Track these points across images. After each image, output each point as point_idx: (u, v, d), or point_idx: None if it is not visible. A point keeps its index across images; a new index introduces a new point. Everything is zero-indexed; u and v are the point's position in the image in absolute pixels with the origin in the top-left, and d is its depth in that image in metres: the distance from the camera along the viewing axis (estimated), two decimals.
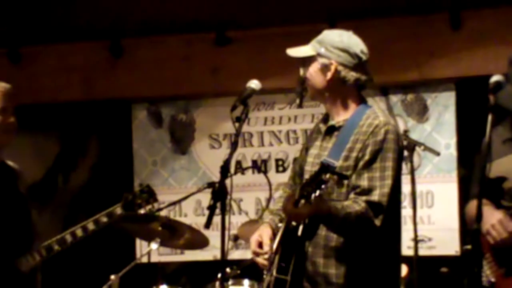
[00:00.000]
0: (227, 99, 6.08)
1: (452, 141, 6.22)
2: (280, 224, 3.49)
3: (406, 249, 5.68)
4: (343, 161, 3.37)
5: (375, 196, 3.31)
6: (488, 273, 3.64)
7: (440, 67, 6.13)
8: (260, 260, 3.46)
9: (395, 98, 6.36)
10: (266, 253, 3.44)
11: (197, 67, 6.53)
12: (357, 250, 3.37)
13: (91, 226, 3.95)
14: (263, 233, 3.51)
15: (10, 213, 3.82)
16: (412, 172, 5.25)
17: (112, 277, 4.76)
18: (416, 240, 5.24)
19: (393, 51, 6.11)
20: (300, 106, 6.25)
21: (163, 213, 5.45)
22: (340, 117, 3.50)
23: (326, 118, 3.59)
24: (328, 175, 3.18)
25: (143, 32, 6.56)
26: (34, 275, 3.89)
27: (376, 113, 3.46)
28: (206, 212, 3.34)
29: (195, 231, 5.21)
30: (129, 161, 6.80)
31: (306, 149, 3.65)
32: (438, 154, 5.61)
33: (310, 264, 3.40)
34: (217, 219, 3.32)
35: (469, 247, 3.01)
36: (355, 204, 3.29)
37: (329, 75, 3.47)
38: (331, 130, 3.51)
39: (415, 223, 5.20)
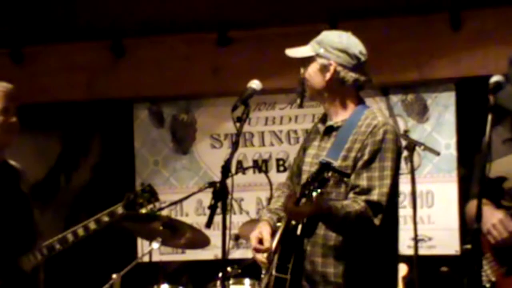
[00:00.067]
0: (228, 99, 6.09)
1: (452, 141, 6.22)
2: (279, 224, 3.50)
3: (406, 249, 5.71)
4: (341, 161, 3.38)
5: (374, 196, 3.32)
6: (488, 273, 3.65)
7: (440, 67, 6.13)
8: (260, 256, 3.47)
9: (395, 98, 6.36)
10: (266, 249, 3.45)
11: (198, 67, 6.53)
12: (356, 249, 3.38)
13: (92, 225, 3.95)
14: (263, 230, 3.51)
15: (12, 212, 3.82)
16: (412, 172, 5.26)
17: (114, 276, 4.77)
18: (416, 240, 5.24)
19: (394, 51, 6.11)
20: (301, 106, 6.25)
21: (164, 212, 5.48)
22: (338, 117, 3.52)
23: (324, 119, 3.60)
24: (330, 173, 3.20)
25: (144, 32, 6.56)
26: (36, 274, 3.89)
27: (375, 113, 3.47)
28: (207, 212, 3.35)
29: (196, 230, 5.23)
30: (130, 161, 6.80)
31: (304, 149, 3.65)
32: (438, 154, 5.62)
33: (309, 263, 3.41)
34: (218, 218, 3.32)
35: (469, 246, 3.02)
36: (354, 204, 3.30)
37: (328, 75, 3.48)
38: (329, 130, 3.52)
39: (415, 223, 5.21)
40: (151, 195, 4.14)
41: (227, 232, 3.35)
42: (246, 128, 5.26)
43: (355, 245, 3.39)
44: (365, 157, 3.37)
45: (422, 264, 5.33)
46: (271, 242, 3.45)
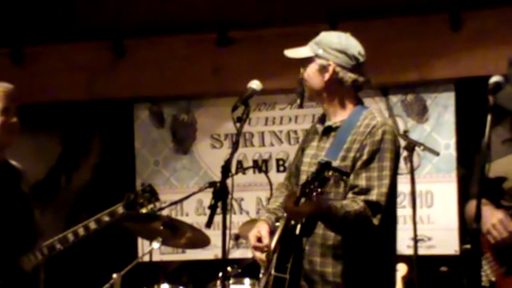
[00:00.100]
0: (228, 99, 6.09)
1: (452, 141, 6.23)
2: (277, 223, 3.51)
3: (406, 249, 5.73)
4: (340, 161, 3.38)
5: (373, 196, 3.33)
6: (488, 273, 3.65)
7: (439, 68, 6.13)
8: (259, 254, 3.48)
9: (395, 99, 6.37)
10: (265, 246, 3.45)
11: (198, 67, 6.53)
12: (354, 248, 3.39)
13: (93, 225, 3.95)
14: (261, 228, 3.52)
15: (13, 212, 3.83)
16: (411, 172, 5.26)
17: (114, 275, 4.78)
18: (415, 240, 5.24)
19: (393, 51, 6.12)
20: (301, 106, 6.26)
21: (164, 212, 5.49)
22: (337, 117, 3.53)
23: (323, 119, 3.61)
24: (330, 172, 3.20)
25: (145, 32, 6.57)
26: (36, 274, 3.89)
27: (373, 114, 3.48)
28: (207, 212, 3.35)
29: (197, 230, 5.23)
30: (131, 161, 6.81)
31: (302, 150, 3.66)
32: (437, 154, 5.63)
33: (307, 262, 3.42)
34: (218, 218, 3.33)
35: (468, 246, 3.03)
36: (353, 203, 3.31)
37: (327, 76, 3.49)
38: (328, 131, 3.53)
39: (414, 223, 5.21)
40: (152, 195, 4.15)
41: (227, 232, 3.35)
42: (246, 128, 5.28)
43: (353, 244, 3.39)
44: (364, 157, 3.38)
45: (421, 264, 5.33)
46: (270, 240, 3.46)
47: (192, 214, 6.62)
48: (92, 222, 3.96)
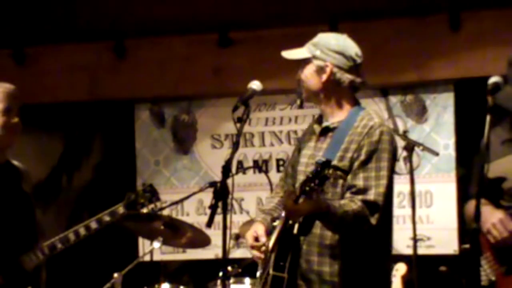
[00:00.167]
0: (229, 99, 6.12)
1: (451, 141, 6.24)
2: (274, 223, 3.51)
3: (405, 248, 5.75)
4: (338, 161, 3.40)
5: (370, 196, 3.35)
6: (488, 272, 3.66)
7: (439, 68, 6.13)
8: (257, 253, 3.49)
9: (394, 99, 6.38)
10: (263, 245, 3.46)
11: (199, 68, 6.54)
12: (351, 248, 3.41)
13: (94, 225, 3.96)
14: (258, 228, 3.54)
15: (14, 212, 3.84)
16: (411, 172, 5.28)
17: (115, 275, 4.78)
18: (415, 239, 5.27)
19: (393, 52, 6.12)
20: (301, 106, 6.31)
21: (165, 212, 5.49)
22: (334, 118, 3.54)
23: (320, 119, 3.62)
24: (331, 170, 3.21)
25: (146, 33, 6.57)
26: (38, 273, 3.91)
27: (371, 115, 3.50)
28: (208, 211, 3.36)
29: (197, 230, 5.24)
30: (132, 161, 6.82)
31: (298, 150, 3.67)
32: (437, 154, 5.65)
33: (304, 262, 3.43)
34: (218, 218, 3.34)
35: (467, 246, 3.05)
36: (351, 203, 3.32)
37: (324, 77, 3.50)
38: (325, 131, 3.54)
39: (414, 223, 5.24)
40: (152, 195, 4.16)
41: (228, 231, 3.35)
42: (247, 128, 5.29)
43: (350, 244, 3.41)
44: (362, 157, 3.39)
45: (421, 264, 5.35)
46: (267, 239, 3.47)
47: (193, 214, 6.63)
48: (93, 221, 3.97)
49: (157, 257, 5.77)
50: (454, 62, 6.08)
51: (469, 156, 4.06)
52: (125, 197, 4.08)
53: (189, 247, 5.86)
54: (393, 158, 3.46)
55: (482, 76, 4.00)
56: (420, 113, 6.32)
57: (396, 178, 3.54)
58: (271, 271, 3.35)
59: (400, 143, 5.17)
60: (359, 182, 3.37)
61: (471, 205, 3.57)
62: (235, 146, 3.46)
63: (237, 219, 5.93)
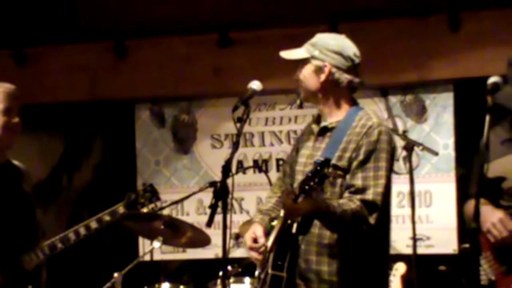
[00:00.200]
0: (229, 99, 6.13)
1: (450, 141, 6.25)
2: (273, 223, 3.51)
3: (405, 248, 5.76)
4: (336, 161, 3.39)
5: (369, 195, 3.35)
6: (488, 272, 3.67)
7: (438, 68, 6.13)
8: (256, 254, 3.49)
9: (394, 99, 6.38)
10: (261, 246, 3.47)
11: (199, 68, 6.54)
12: (349, 247, 3.41)
13: (94, 224, 3.96)
14: (256, 229, 3.54)
15: (15, 212, 3.84)
16: (410, 171, 5.28)
17: (115, 274, 4.80)
18: (414, 239, 5.26)
19: (392, 52, 6.12)
20: (300, 106, 6.31)
21: (165, 212, 5.50)
22: (333, 118, 3.54)
23: (318, 119, 3.62)
24: (330, 169, 3.22)
25: (146, 33, 6.58)
26: (38, 273, 3.91)
27: (369, 115, 3.51)
28: (208, 211, 3.37)
29: (197, 229, 5.24)
30: (132, 161, 6.82)
31: (296, 150, 3.68)
32: (436, 154, 5.65)
33: (303, 261, 3.44)
34: (218, 218, 3.34)
35: (467, 245, 3.05)
36: (350, 203, 3.33)
37: (322, 77, 3.51)
38: (324, 131, 3.55)
39: (413, 222, 5.23)
40: (152, 194, 4.16)
41: (228, 231, 3.36)
42: (247, 128, 5.30)
43: (349, 243, 3.42)
44: (360, 157, 3.40)
45: (420, 263, 5.35)
46: (266, 240, 3.47)
47: (193, 214, 6.64)
48: (93, 221, 3.97)
49: (157, 256, 5.77)
50: (454, 62, 6.08)
51: (469, 156, 4.06)
52: (125, 197, 4.08)
53: (189, 247, 5.87)
54: (392, 158, 3.47)
55: (481, 76, 4.00)
56: (420, 113, 6.32)
57: (396, 178, 3.55)
58: (270, 271, 3.35)
59: (400, 143, 5.18)
60: (358, 182, 3.38)
61: (470, 205, 3.56)
62: (235, 146, 3.47)
63: (237, 219, 5.94)
